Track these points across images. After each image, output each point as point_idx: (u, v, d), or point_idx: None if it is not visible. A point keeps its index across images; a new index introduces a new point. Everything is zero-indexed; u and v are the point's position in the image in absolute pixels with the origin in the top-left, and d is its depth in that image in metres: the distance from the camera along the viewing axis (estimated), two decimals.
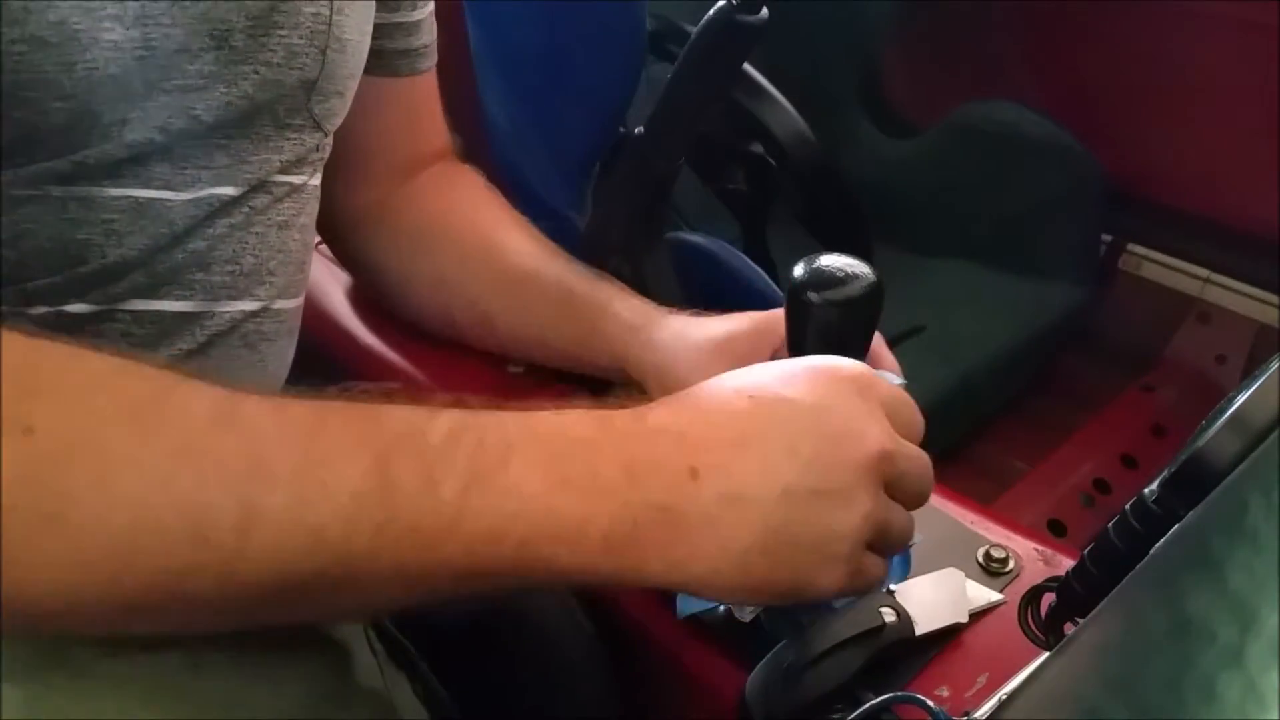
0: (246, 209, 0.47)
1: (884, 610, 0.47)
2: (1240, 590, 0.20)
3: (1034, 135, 1.38)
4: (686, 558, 0.36)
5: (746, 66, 0.90)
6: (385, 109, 0.62)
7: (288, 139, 0.49)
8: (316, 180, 0.53)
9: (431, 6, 0.62)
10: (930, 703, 0.41)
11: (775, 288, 0.84)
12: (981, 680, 0.47)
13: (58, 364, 0.31)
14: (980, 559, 0.54)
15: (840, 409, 0.38)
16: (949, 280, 1.40)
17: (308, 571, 0.33)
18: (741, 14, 0.69)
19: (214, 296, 0.47)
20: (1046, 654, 0.44)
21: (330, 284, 0.77)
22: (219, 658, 0.41)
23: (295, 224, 0.51)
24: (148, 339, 0.45)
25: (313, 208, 0.54)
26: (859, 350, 0.47)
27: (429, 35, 0.63)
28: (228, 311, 0.48)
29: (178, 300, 0.46)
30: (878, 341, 0.53)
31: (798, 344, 0.47)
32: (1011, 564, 0.54)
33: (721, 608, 0.51)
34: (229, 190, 0.46)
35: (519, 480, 0.35)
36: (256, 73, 0.45)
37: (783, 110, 0.96)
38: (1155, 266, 1.43)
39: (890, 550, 0.41)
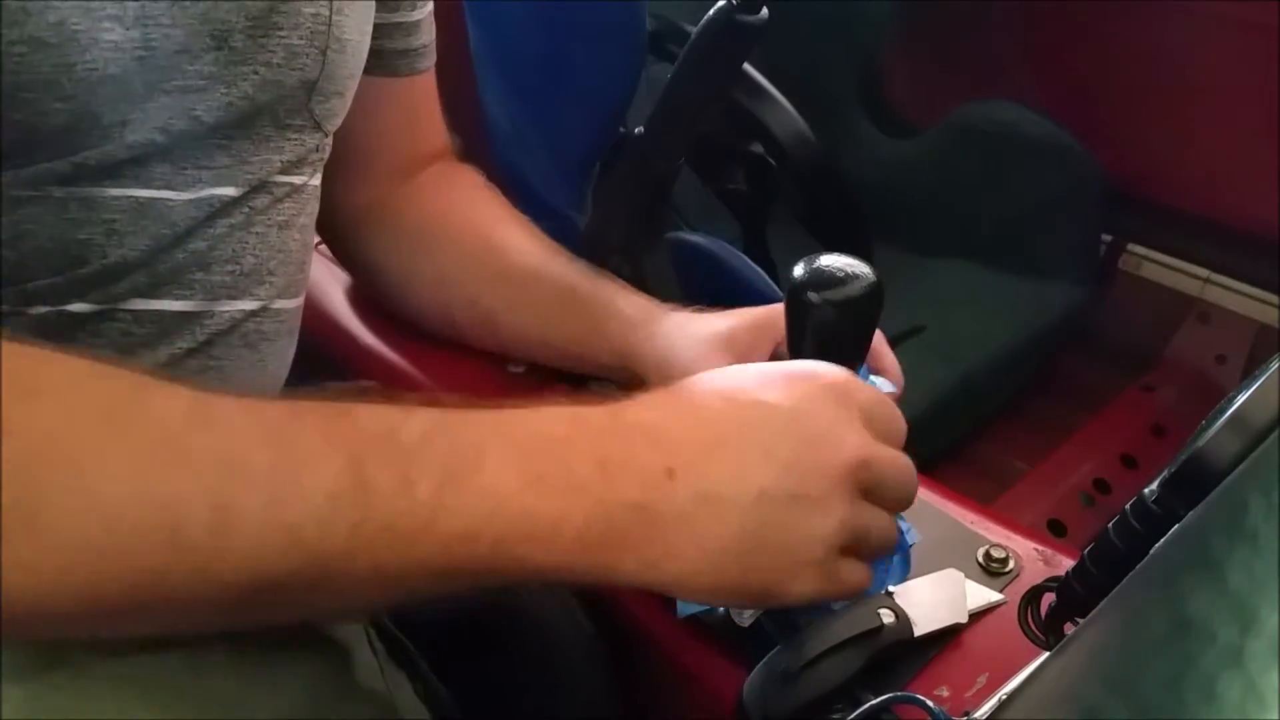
0: (247, 209, 0.47)
1: (882, 611, 0.47)
2: (1240, 590, 0.20)
3: (1034, 135, 1.38)
4: (661, 557, 0.36)
5: (746, 66, 0.90)
6: (385, 109, 0.62)
7: (288, 139, 0.49)
8: (317, 180, 0.53)
9: (430, 6, 0.62)
10: (930, 703, 0.41)
11: (775, 288, 0.84)
12: (981, 680, 0.47)
13: (31, 367, 0.31)
14: (980, 559, 0.54)
15: (818, 414, 0.39)
16: (949, 280, 1.40)
17: (284, 571, 0.33)
18: (741, 14, 0.69)
19: (214, 296, 0.47)
20: (1046, 654, 0.44)
21: (330, 284, 0.77)
22: (219, 658, 0.41)
23: (295, 224, 0.51)
24: (148, 338, 0.45)
25: (313, 208, 0.54)
26: (859, 350, 0.47)
27: (428, 35, 0.63)
28: (228, 311, 0.48)
29: (178, 300, 0.46)
30: (878, 341, 0.53)
31: (797, 344, 0.47)
32: (1011, 564, 0.54)
33: (721, 609, 0.51)
34: (229, 190, 0.46)
35: (493, 479, 0.35)
36: (256, 73, 0.44)
37: (783, 110, 0.96)
38: (1155, 266, 1.43)
39: (870, 556, 0.41)
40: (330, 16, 0.47)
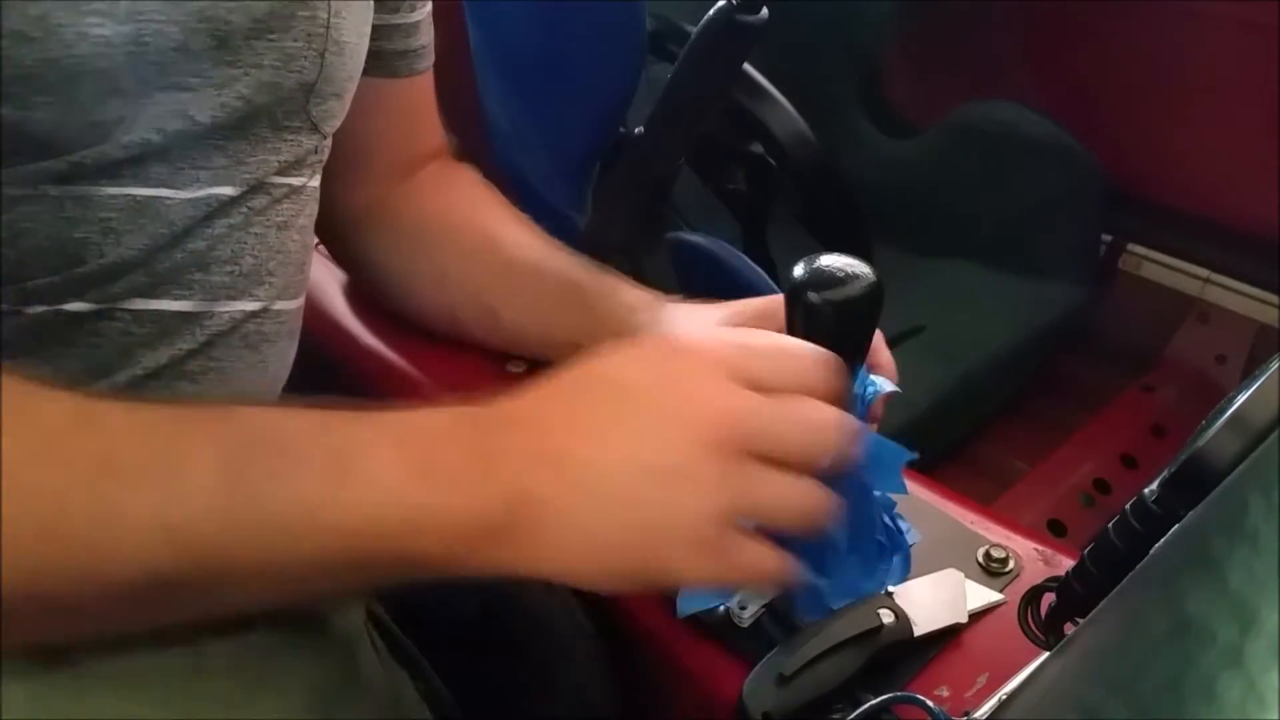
0: (245, 209, 0.47)
1: (882, 611, 0.47)
2: (1240, 590, 0.20)
3: (1034, 135, 1.38)
4: (545, 546, 0.36)
5: (746, 66, 0.90)
6: (383, 110, 0.62)
7: (285, 141, 0.49)
8: (316, 182, 0.53)
9: (429, 7, 0.62)
10: (930, 703, 0.41)
11: (775, 288, 0.84)
12: (981, 680, 0.47)
13: None
14: (980, 559, 0.54)
15: (678, 384, 0.38)
16: (949, 280, 1.40)
17: (169, 569, 0.33)
18: (741, 14, 0.69)
19: (213, 296, 0.47)
20: (1046, 654, 0.44)
21: (330, 284, 0.77)
22: (221, 657, 0.41)
23: (294, 225, 0.51)
24: (148, 338, 0.45)
25: (312, 209, 0.54)
26: (859, 350, 0.47)
27: (427, 36, 0.63)
28: (227, 311, 0.48)
29: (177, 300, 0.46)
30: (877, 341, 0.53)
31: None
32: (1011, 564, 0.54)
33: (721, 608, 0.51)
34: (227, 190, 0.46)
35: (374, 475, 0.35)
36: (254, 75, 0.44)
37: (783, 110, 0.96)
38: (1155, 266, 1.43)
39: (778, 528, 0.38)
40: (329, 19, 0.47)
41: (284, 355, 0.53)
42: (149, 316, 0.45)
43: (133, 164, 0.42)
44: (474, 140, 0.79)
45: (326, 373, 0.70)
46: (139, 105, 0.41)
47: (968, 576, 0.52)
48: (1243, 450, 0.32)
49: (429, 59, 0.64)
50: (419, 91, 0.65)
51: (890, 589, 0.49)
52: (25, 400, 0.32)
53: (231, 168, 0.46)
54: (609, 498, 0.36)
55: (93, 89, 0.39)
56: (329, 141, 0.53)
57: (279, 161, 0.48)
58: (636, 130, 0.85)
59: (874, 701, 0.42)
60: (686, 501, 0.36)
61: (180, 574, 0.33)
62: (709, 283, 0.86)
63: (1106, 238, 1.46)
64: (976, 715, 0.42)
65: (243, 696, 0.42)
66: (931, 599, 0.49)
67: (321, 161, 0.53)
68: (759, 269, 0.86)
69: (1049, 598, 0.45)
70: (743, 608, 0.51)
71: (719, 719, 0.48)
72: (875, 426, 0.51)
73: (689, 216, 1.21)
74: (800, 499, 0.38)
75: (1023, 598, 0.47)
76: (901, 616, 0.47)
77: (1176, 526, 0.31)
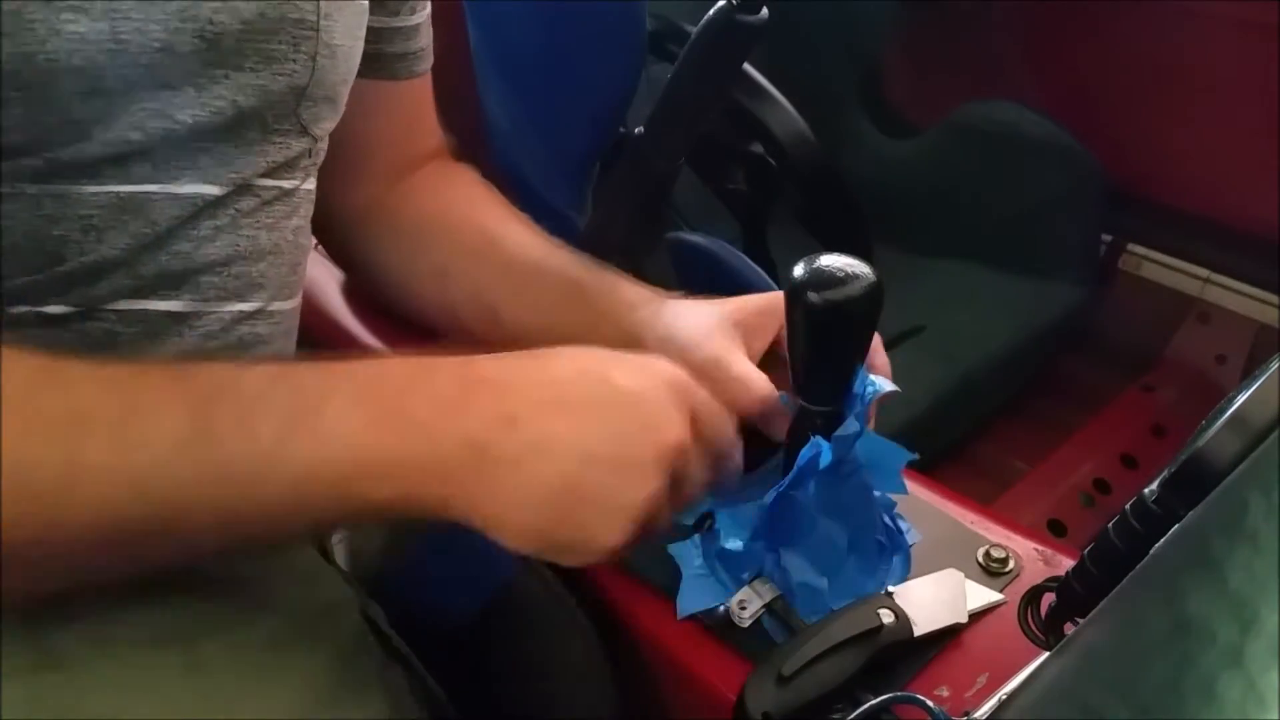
0: (233, 211, 0.47)
1: (882, 611, 0.47)
2: (1240, 590, 0.20)
3: (1034, 135, 1.38)
4: (484, 496, 0.39)
5: (746, 66, 0.90)
6: (382, 111, 0.62)
7: (273, 144, 0.48)
8: (310, 185, 0.53)
9: (428, 10, 0.62)
10: (930, 703, 0.41)
11: (775, 288, 0.84)
12: (981, 680, 0.47)
13: None
14: (980, 559, 0.54)
15: (655, 401, 0.42)
16: (949, 280, 1.40)
17: (133, 518, 0.35)
18: (741, 14, 0.69)
19: (203, 298, 0.47)
20: (1046, 654, 0.44)
21: (329, 284, 0.77)
22: (217, 657, 0.41)
23: (286, 227, 0.51)
24: (136, 339, 0.45)
25: (306, 211, 0.54)
26: (859, 350, 0.47)
27: (426, 39, 0.62)
28: (217, 313, 0.48)
29: (165, 300, 0.46)
30: (874, 341, 0.53)
31: (796, 343, 0.46)
32: (1011, 564, 0.54)
33: (721, 608, 0.51)
34: (213, 190, 0.45)
35: (335, 421, 0.37)
36: (242, 78, 0.44)
37: (783, 110, 0.96)
38: (1155, 266, 1.43)
39: (658, 524, 0.44)
40: (319, 22, 0.47)
41: (281, 356, 0.53)
42: (135, 316, 0.45)
43: (113, 163, 0.42)
44: (474, 140, 0.78)
45: None
46: (121, 105, 0.41)
47: (968, 576, 0.52)
48: (1243, 450, 0.32)
49: (428, 61, 0.64)
50: (418, 93, 0.64)
51: (890, 589, 0.49)
52: None
53: (217, 168, 0.46)
54: (557, 467, 0.40)
55: (69, 86, 0.39)
56: (322, 144, 0.53)
57: (267, 163, 0.48)
58: (636, 130, 0.85)
59: (874, 701, 0.42)
60: (630, 495, 0.41)
61: (144, 522, 0.35)
62: (709, 282, 0.86)
63: (1106, 238, 1.46)
64: (976, 715, 0.42)
65: (238, 695, 0.42)
66: (931, 599, 0.49)
67: (315, 165, 0.53)
68: (759, 269, 0.86)
69: (1049, 598, 0.45)
70: (743, 608, 0.51)
71: (719, 719, 0.48)
72: (872, 424, 0.51)
73: (689, 216, 1.21)
74: (691, 499, 0.46)
75: (1023, 598, 0.47)
76: (901, 616, 0.47)
77: (1176, 526, 0.31)
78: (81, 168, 0.41)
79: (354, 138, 0.58)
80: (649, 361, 0.45)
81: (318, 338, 0.68)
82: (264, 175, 0.48)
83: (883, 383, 0.48)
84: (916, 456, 0.49)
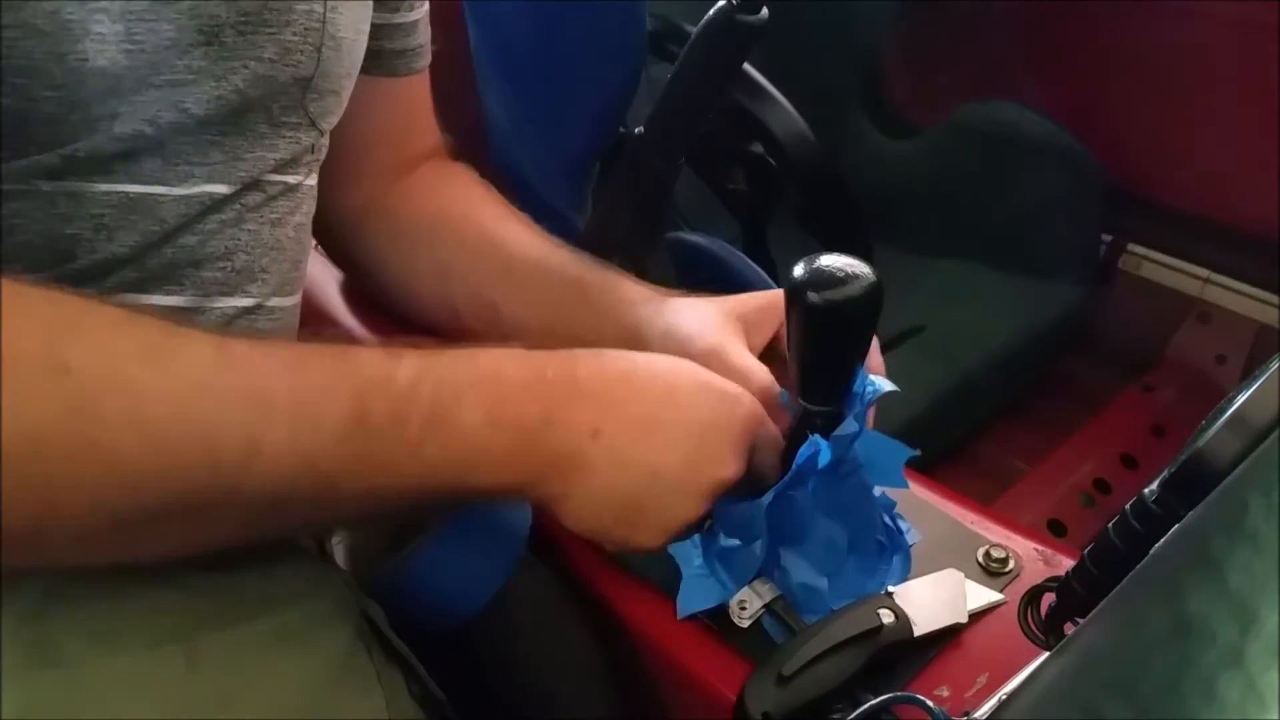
0: (238, 206, 0.47)
1: (882, 611, 0.47)
2: (1240, 590, 0.20)
3: (1034, 135, 1.38)
4: (560, 492, 0.46)
5: (746, 66, 0.90)
6: (381, 108, 0.62)
7: (283, 137, 0.49)
8: (312, 181, 0.53)
9: (426, 6, 0.62)
10: (930, 703, 0.41)
11: (775, 287, 0.84)
12: (981, 680, 0.47)
13: (77, 309, 0.35)
14: (980, 559, 0.54)
15: (723, 435, 0.47)
16: (949, 280, 1.40)
17: (298, 489, 0.39)
18: (741, 14, 0.69)
19: (206, 293, 0.47)
20: (1046, 654, 0.44)
21: (328, 283, 0.77)
22: (217, 656, 0.41)
23: (289, 222, 0.51)
24: None
25: (309, 207, 0.54)
26: (858, 350, 0.47)
27: (424, 35, 0.63)
28: (219, 308, 0.48)
29: (169, 295, 0.46)
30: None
31: (796, 343, 0.46)
32: (1011, 564, 0.54)
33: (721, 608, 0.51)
34: (221, 188, 0.46)
35: (466, 420, 0.42)
36: (247, 68, 0.44)
37: (783, 110, 0.96)
38: (1155, 266, 1.43)
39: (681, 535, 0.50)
40: (325, 14, 0.47)
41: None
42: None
43: (125, 158, 0.42)
44: (473, 140, 0.79)
45: None
46: (133, 100, 0.41)
47: (968, 576, 0.52)
48: (1243, 450, 0.32)
49: (426, 58, 0.64)
50: (416, 90, 0.65)
51: (890, 589, 0.49)
52: (173, 340, 0.37)
53: (227, 164, 0.46)
54: (626, 481, 0.46)
55: (93, 84, 0.40)
56: (326, 140, 0.53)
57: (275, 158, 0.48)
58: (636, 130, 0.85)
59: (874, 701, 0.42)
60: (679, 514, 0.47)
61: (304, 493, 0.39)
62: (709, 282, 0.85)
63: (1106, 238, 1.46)
64: (976, 715, 0.42)
65: (238, 694, 0.42)
66: (931, 599, 0.49)
67: (318, 160, 0.53)
68: (759, 269, 0.86)
69: (1049, 598, 0.45)
70: (743, 608, 0.51)
71: (719, 719, 0.48)
72: (871, 425, 0.51)
73: (689, 216, 1.21)
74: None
75: (1023, 598, 0.47)
76: (901, 616, 0.47)
77: (1176, 526, 0.31)
78: (94, 163, 0.42)
79: (353, 135, 0.58)
80: (734, 395, 0.48)
81: (321, 328, 0.67)
82: (273, 170, 0.48)
83: (883, 383, 0.48)
84: (918, 453, 0.49)
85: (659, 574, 0.53)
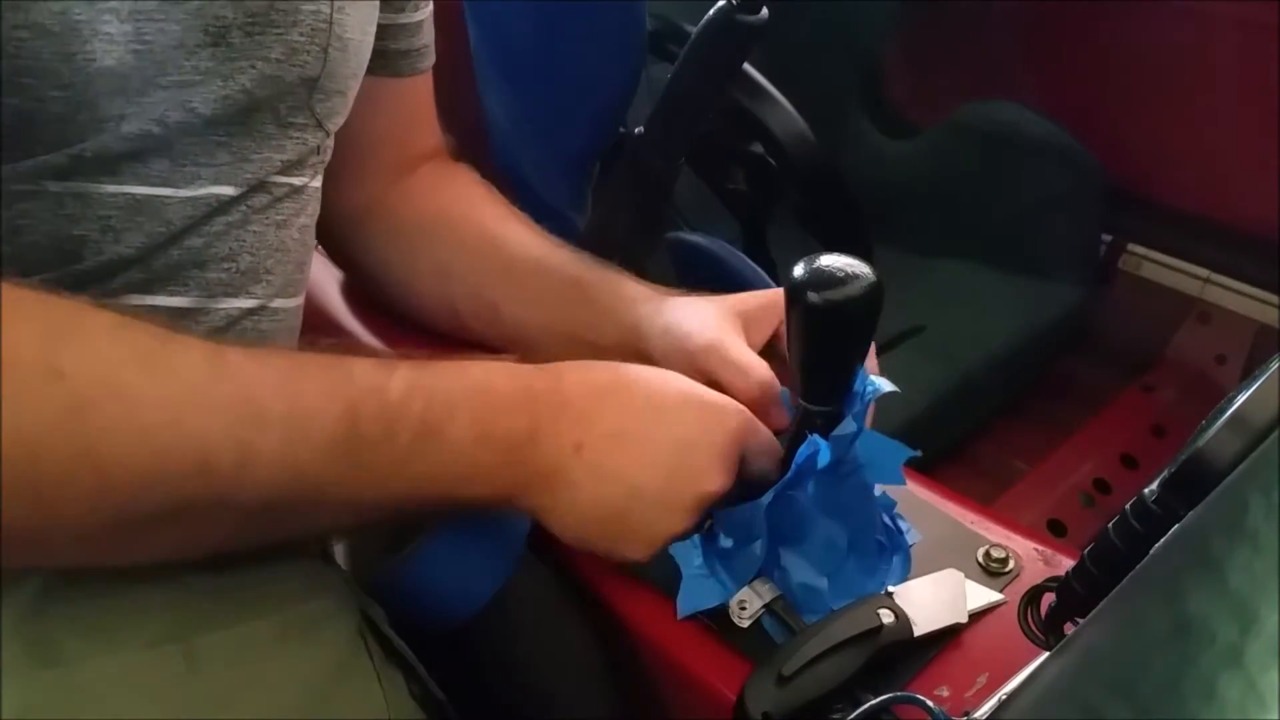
0: (244, 208, 0.48)
1: (882, 611, 0.47)
2: (1240, 590, 0.20)
3: (1034, 135, 1.38)
4: (546, 504, 0.46)
5: (746, 66, 0.90)
6: (384, 108, 0.62)
7: (290, 138, 0.49)
8: (317, 183, 0.53)
9: (430, 7, 0.63)
10: (930, 703, 0.41)
11: (775, 288, 0.84)
12: (981, 680, 0.47)
13: (73, 314, 0.35)
14: (980, 559, 0.54)
15: (707, 450, 0.47)
16: (949, 280, 1.40)
17: (289, 497, 0.39)
18: (741, 14, 0.69)
19: (210, 293, 0.47)
20: (1046, 654, 0.44)
21: (329, 283, 0.77)
22: (217, 656, 0.41)
23: (294, 224, 0.51)
24: None
25: (313, 209, 0.54)
26: (858, 350, 0.47)
27: (428, 35, 0.63)
28: (223, 309, 0.48)
29: (173, 296, 0.46)
30: None
31: (796, 343, 0.47)
32: (1011, 564, 0.54)
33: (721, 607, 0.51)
34: (228, 190, 0.46)
35: (456, 435, 0.43)
36: (255, 68, 0.44)
37: (783, 110, 0.96)
38: (1155, 266, 1.43)
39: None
40: (331, 15, 0.47)
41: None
42: (144, 312, 0.45)
43: (133, 159, 0.42)
44: (473, 140, 0.79)
45: None
46: (140, 101, 0.41)
47: (968, 576, 0.52)
48: (1243, 450, 0.32)
49: (430, 58, 0.64)
50: (419, 90, 0.65)
51: (890, 589, 0.49)
52: (167, 346, 0.37)
53: (234, 166, 0.46)
54: (608, 494, 0.46)
55: (101, 85, 0.40)
56: (331, 141, 0.53)
57: (282, 160, 0.48)
58: (636, 130, 0.85)
59: (874, 701, 0.42)
60: (664, 528, 0.48)
61: (295, 501, 0.40)
62: (709, 283, 0.85)
63: (1106, 238, 1.46)
64: (976, 715, 0.42)
65: (238, 694, 0.42)
66: (931, 599, 0.49)
67: (324, 162, 0.53)
68: (759, 269, 0.86)
69: (1049, 598, 0.45)
70: (743, 608, 0.51)
71: (719, 719, 0.48)
72: (870, 425, 0.51)
73: (689, 216, 1.21)
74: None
75: (1023, 598, 0.47)
76: (901, 616, 0.47)
77: (1176, 526, 0.31)
78: (102, 164, 0.42)
79: (356, 135, 0.58)
80: (721, 406, 0.48)
81: (317, 337, 0.67)
82: (279, 172, 0.48)
83: (883, 383, 0.48)
84: (918, 453, 0.49)
85: (659, 574, 0.53)
